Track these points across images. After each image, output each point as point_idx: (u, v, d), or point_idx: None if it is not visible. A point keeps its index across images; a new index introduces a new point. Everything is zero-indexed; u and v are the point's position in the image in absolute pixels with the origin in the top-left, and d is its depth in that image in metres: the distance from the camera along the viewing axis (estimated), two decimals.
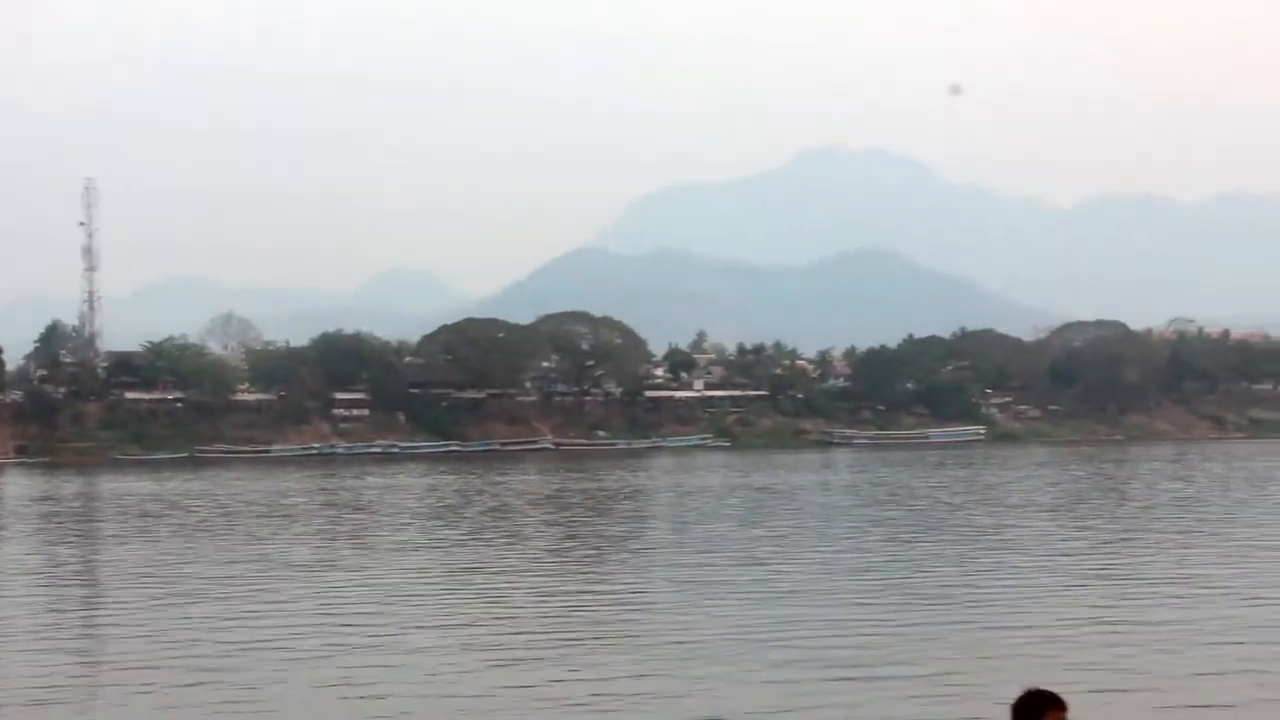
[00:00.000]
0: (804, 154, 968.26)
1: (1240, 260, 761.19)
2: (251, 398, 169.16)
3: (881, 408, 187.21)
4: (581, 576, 38.06)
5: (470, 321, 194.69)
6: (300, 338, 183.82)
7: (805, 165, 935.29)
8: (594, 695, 22.22)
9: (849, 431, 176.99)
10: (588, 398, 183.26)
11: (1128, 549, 42.65)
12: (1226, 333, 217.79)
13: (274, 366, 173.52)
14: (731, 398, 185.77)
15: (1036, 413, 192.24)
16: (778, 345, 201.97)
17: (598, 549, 46.87)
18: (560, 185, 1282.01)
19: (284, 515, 65.44)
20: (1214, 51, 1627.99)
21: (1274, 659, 23.23)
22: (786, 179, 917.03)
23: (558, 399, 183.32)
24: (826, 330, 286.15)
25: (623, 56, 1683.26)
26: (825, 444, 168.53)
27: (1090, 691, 18.95)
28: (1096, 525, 52.50)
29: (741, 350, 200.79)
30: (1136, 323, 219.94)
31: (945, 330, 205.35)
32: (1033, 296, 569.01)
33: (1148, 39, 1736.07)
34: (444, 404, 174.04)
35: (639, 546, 48.13)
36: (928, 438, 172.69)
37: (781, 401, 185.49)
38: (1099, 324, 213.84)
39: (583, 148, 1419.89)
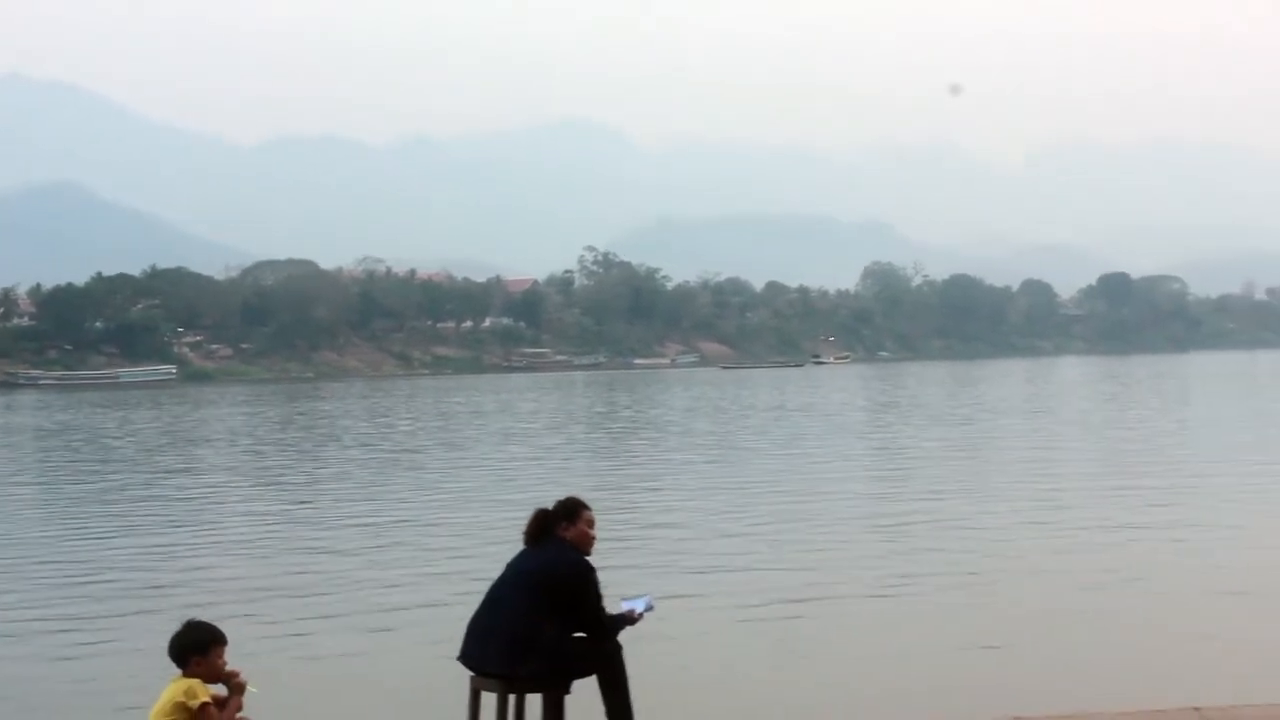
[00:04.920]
0: None
1: (425, 200, 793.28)
2: None
3: (70, 348, 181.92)
4: None
5: None
6: None
7: None
8: None
9: (34, 372, 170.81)
10: None
11: (326, 485, 44.12)
12: (413, 272, 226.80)
13: None
14: None
15: (229, 351, 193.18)
16: None
17: None
18: None
19: None
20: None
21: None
22: None
23: None
24: (11, 267, 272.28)
25: None
26: (10, 385, 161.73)
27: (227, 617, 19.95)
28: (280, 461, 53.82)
29: None
30: (327, 262, 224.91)
31: (136, 268, 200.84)
32: (224, 234, 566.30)
33: None
34: None
35: None
36: (118, 378, 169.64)
37: None
38: (290, 263, 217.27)
39: None
